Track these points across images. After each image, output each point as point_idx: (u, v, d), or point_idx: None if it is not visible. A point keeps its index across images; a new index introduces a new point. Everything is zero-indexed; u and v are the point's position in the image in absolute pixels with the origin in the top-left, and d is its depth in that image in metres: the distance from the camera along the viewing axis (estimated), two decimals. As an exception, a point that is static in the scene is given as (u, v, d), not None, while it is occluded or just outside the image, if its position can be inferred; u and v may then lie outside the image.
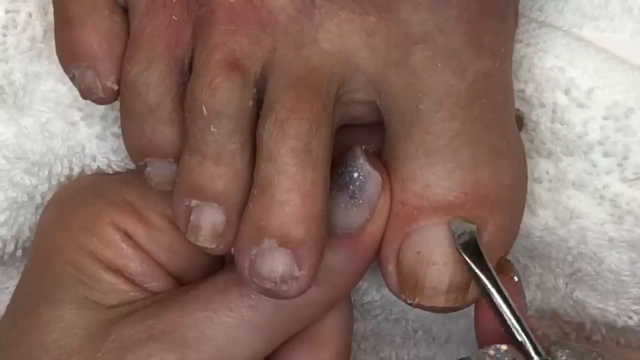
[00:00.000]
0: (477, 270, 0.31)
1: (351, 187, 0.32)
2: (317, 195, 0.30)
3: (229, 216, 0.31)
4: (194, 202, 0.31)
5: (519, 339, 0.31)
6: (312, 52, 0.31)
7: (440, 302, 0.32)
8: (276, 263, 0.30)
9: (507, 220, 0.33)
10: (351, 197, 0.32)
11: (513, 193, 0.33)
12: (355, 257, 0.33)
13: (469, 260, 0.31)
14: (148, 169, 0.33)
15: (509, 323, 0.31)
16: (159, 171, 0.33)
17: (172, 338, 0.33)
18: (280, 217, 0.30)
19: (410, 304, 0.32)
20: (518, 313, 0.31)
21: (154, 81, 0.32)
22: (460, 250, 0.31)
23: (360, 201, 0.32)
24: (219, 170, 0.31)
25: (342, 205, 0.32)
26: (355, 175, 0.32)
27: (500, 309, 0.31)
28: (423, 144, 0.31)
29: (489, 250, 0.32)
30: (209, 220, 0.31)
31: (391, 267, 0.32)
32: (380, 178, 0.32)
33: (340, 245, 0.32)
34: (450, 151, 0.31)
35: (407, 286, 0.32)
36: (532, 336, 0.31)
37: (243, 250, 0.31)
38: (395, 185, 0.32)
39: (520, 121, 0.36)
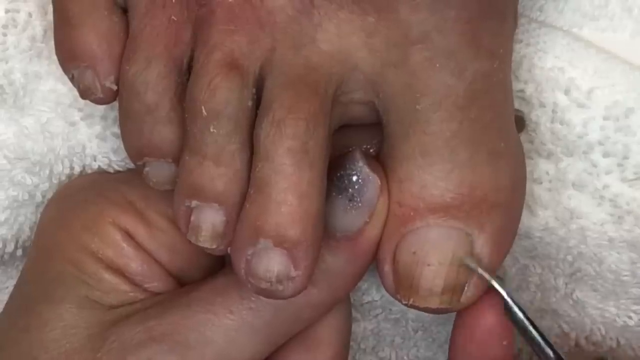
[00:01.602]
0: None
1: (350, 190, 0.32)
2: (313, 195, 0.30)
3: (229, 216, 0.31)
4: (194, 203, 0.31)
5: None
6: (310, 52, 0.31)
7: (434, 303, 0.32)
8: (272, 263, 0.30)
9: (506, 222, 0.32)
10: (350, 200, 0.32)
11: (512, 194, 0.33)
12: (354, 259, 0.33)
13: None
14: (147, 168, 0.33)
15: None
16: (158, 171, 0.33)
17: (173, 340, 0.33)
18: (276, 217, 0.30)
19: (406, 305, 0.32)
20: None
21: (152, 81, 0.32)
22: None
23: (360, 204, 0.32)
24: (218, 171, 0.31)
25: (342, 208, 0.32)
26: (355, 178, 0.32)
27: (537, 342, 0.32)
28: (420, 145, 0.31)
29: (490, 252, 0.32)
30: (209, 221, 0.31)
31: (387, 268, 0.32)
32: (379, 181, 0.32)
33: (339, 248, 0.32)
34: (448, 152, 0.31)
35: (403, 286, 0.32)
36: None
37: (239, 250, 0.31)
38: (393, 186, 0.32)
39: (521, 123, 0.36)
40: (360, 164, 0.32)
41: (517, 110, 0.36)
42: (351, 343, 0.43)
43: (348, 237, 0.32)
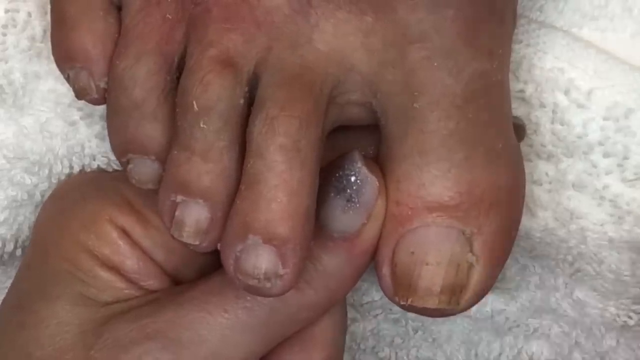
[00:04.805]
0: None
1: (348, 190, 0.32)
2: (303, 193, 0.30)
3: (214, 213, 0.31)
4: (179, 198, 0.31)
5: None
6: (307, 51, 0.31)
7: (432, 303, 0.32)
8: (260, 260, 0.30)
9: (505, 223, 0.32)
10: (348, 201, 0.32)
11: (510, 195, 0.32)
12: (351, 261, 0.33)
13: None
14: (130, 165, 0.33)
15: None
16: (141, 169, 0.33)
17: (167, 338, 0.33)
18: (265, 214, 0.30)
19: (404, 306, 0.32)
20: None
21: (141, 77, 0.32)
22: None
23: (357, 205, 0.32)
24: (206, 167, 0.31)
25: (339, 208, 0.32)
26: (353, 179, 0.32)
27: None
28: (418, 144, 0.31)
29: (488, 252, 0.32)
30: (194, 217, 0.31)
31: (385, 269, 0.32)
32: (377, 182, 0.31)
33: (336, 249, 0.32)
34: (445, 151, 0.31)
35: (401, 287, 0.32)
36: None
37: (229, 246, 0.31)
38: (391, 186, 0.32)
39: (521, 130, 0.36)
40: (359, 164, 0.31)
41: (517, 118, 0.36)
42: (351, 343, 0.44)
43: (345, 238, 0.32)
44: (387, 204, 0.32)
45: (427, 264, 0.31)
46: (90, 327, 0.34)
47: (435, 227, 0.31)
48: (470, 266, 0.32)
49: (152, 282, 0.35)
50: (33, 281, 0.36)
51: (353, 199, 0.32)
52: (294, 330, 0.34)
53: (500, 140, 0.32)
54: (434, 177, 0.31)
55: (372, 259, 0.33)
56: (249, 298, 0.33)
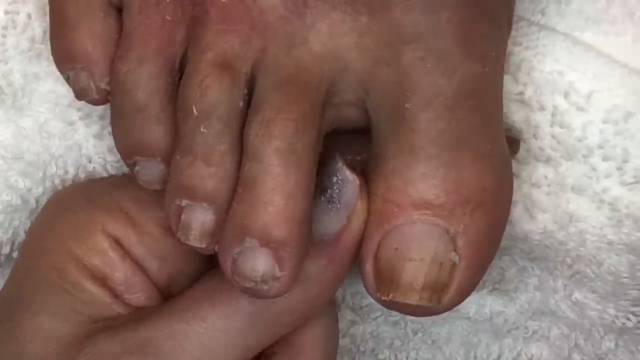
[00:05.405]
0: None
1: (329, 191, 0.32)
2: (300, 196, 0.30)
3: (219, 216, 0.31)
4: (184, 202, 0.31)
5: None
6: (302, 52, 0.31)
7: (414, 299, 0.31)
8: (257, 263, 0.30)
9: (490, 224, 0.32)
10: (329, 202, 0.32)
11: (496, 197, 0.32)
12: (333, 264, 0.33)
13: None
14: (137, 167, 0.33)
15: None
16: (147, 170, 0.33)
17: (147, 351, 0.33)
18: (262, 217, 0.30)
19: (385, 302, 0.32)
20: None
21: (143, 80, 0.32)
22: None
23: (338, 205, 0.31)
24: (209, 171, 0.31)
25: (320, 209, 0.32)
26: (334, 179, 0.32)
27: None
28: (408, 142, 0.31)
29: (471, 253, 0.32)
30: (199, 220, 0.31)
31: (369, 265, 0.32)
32: (358, 182, 0.31)
33: (317, 252, 0.32)
34: (434, 150, 0.31)
35: (383, 282, 0.32)
36: None
37: (226, 248, 0.31)
38: (379, 183, 0.32)
39: (515, 144, 0.36)
40: (340, 164, 0.31)
41: (511, 132, 0.36)
42: (350, 346, 0.44)
43: (326, 241, 0.32)
44: (369, 203, 0.32)
45: (410, 260, 0.31)
46: (72, 341, 0.34)
47: (420, 224, 0.31)
48: (454, 265, 0.31)
49: (140, 294, 0.35)
50: (19, 289, 0.36)
51: (334, 200, 0.31)
52: (277, 335, 0.34)
53: (490, 142, 0.32)
54: (422, 175, 0.31)
55: (355, 260, 0.33)
56: (227, 306, 0.33)
